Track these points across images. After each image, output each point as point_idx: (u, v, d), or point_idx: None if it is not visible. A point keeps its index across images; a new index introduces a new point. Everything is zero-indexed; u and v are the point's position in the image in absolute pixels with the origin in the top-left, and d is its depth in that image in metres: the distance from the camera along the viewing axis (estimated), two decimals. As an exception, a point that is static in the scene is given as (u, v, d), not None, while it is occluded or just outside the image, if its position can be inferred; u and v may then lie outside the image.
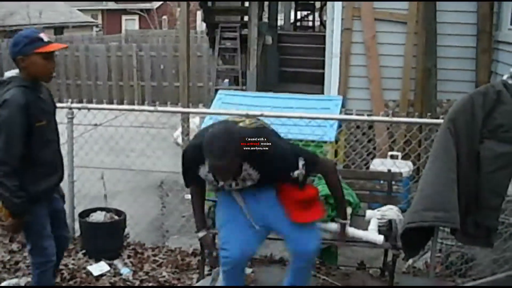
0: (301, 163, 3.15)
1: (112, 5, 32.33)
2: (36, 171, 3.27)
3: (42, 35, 3.22)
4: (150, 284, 4.27)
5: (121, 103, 5.71)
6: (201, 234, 3.46)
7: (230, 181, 3.18)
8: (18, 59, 3.19)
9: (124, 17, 31.87)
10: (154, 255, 4.81)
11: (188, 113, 7.21)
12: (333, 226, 3.84)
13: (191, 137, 8.13)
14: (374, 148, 6.52)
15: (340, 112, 5.70)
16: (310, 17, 14.90)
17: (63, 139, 3.75)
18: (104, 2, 32.32)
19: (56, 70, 3.34)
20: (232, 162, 2.95)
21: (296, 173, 3.17)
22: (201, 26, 21.33)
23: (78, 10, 26.45)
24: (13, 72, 3.27)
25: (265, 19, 10.62)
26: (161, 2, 31.26)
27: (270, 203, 3.30)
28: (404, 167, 5.74)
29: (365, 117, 5.04)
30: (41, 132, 3.24)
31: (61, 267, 4.18)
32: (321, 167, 3.35)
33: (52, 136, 3.40)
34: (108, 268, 4.50)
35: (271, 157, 3.09)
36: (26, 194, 3.18)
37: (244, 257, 3.35)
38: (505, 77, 3.29)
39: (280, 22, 12.70)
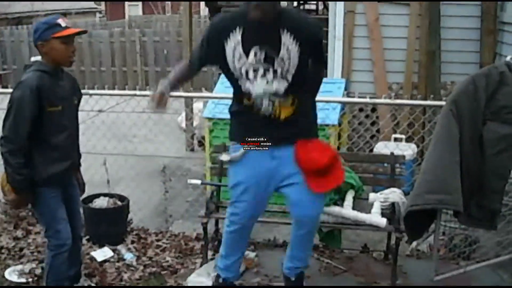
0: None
1: (115, -9, 32.15)
2: (47, 155, 3.33)
3: (60, 20, 3.31)
4: (154, 269, 4.28)
5: (124, 88, 5.69)
6: (160, 86, 3.24)
7: (261, 48, 3.01)
8: (38, 45, 3.29)
9: (127, 3, 31.72)
10: (158, 240, 4.82)
11: (190, 97, 7.19)
12: (335, 209, 3.84)
13: (195, 122, 8.19)
14: (378, 131, 6.49)
15: (343, 95, 5.66)
16: (313, 0, 14.77)
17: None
18: (107, -13, 32.13)
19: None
20: None
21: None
22: (204, 10, 21.23)
23: (81, -4, 26.33)
24: (38, 57, 3.38)
25: (268, 3, 10.53)
26: (164, -13, 31.07)
27: (289, 159, 3.12)
28: (407, 149, 5.73)
29: (367, 100, 5.00)
30: (54, 117, 3.30)
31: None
32: None
33: (68, 123, 3.45)
34: (111, 253, 4.52)
35: (308, 22, 3.21)
36: (29, 173, 3.25)
37: (253, 219, 3.31)
38: (508, 58, 3.27)
39: (283, 5, 12.57)
